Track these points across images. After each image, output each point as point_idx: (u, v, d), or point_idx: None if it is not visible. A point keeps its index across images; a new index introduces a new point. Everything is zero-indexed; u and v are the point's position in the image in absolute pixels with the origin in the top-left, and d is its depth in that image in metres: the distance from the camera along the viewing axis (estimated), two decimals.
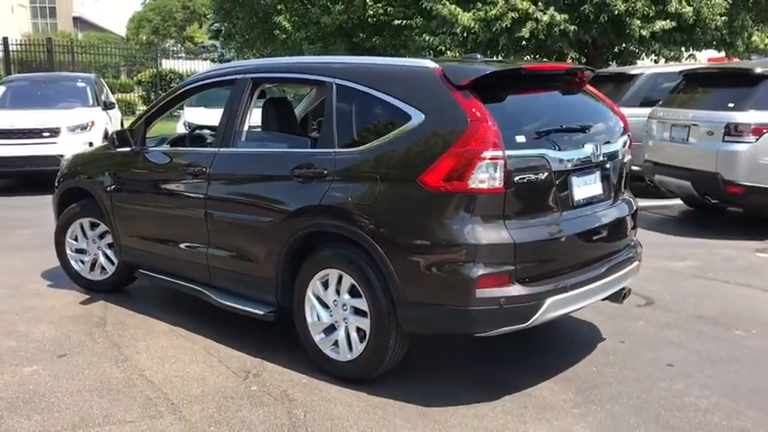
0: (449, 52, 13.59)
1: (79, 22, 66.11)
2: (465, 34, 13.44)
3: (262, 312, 4.44)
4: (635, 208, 4.59)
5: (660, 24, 12.65)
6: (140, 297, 5.79)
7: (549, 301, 3.73)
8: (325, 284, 4.12)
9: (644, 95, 10.31)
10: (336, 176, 4.03)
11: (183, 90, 5.27)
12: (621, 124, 4.51)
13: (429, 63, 3.97)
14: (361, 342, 4.00)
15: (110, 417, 3.76)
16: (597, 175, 4.19)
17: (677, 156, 8.30)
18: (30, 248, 7.30)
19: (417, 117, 3.81)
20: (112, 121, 12.91)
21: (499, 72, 3.88)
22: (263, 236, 4.38)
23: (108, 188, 5.42)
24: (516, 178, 3.66)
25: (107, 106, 12.87)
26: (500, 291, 3.62)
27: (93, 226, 5.81)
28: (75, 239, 5.88)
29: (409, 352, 4.09)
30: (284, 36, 15.06)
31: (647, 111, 9.11)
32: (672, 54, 13.54)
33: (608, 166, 4.28)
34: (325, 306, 4.15)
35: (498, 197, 3.63)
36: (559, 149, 3.87)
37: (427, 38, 13.79)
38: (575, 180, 4.00)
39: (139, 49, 34.29)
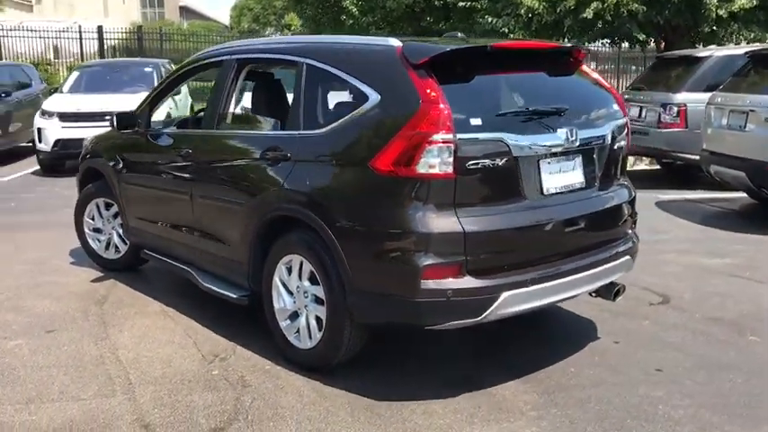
0: (512, 35, 13.16)
1: (185, 11, 68.52)
2: (530, 15, 12.96)
3: (235, 296, 4.41)
4: (629, 198, 4.25)
5: (740, 3, 11.74)
6: (150, 277, 5.90)
7: (504, 295, 3.50)
8: (290, 270, 4.04)
9: (711, 80, 9.59)
10: (298, 159, 3.93)
11: (180, 72, 5.29)
12: (616, 108, 4.18)
13: (393, 41, 3.79)
14: (319, 331, 3.89)
15: (65, 393, 3.82)
16: (577, 161, 3.90)
17: (734, 144, 7.70)
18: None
19: (373, 98, 3.65)
20: (179, 106, 13.13)
21: (460, 50, 3.66)
22: (236, 219, 4.35)
23: (116, 169, 5.53)
24: (469, 164, 3.44)
25: (174, 92, 13.14)
26: (448, 282, 3.43)
27: (108, 206, 5.95)
28: (92, 219, 6.05)
29: (380, 342, 3.95)
30: (351, 21, 15.00)
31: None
32: (753, 35, 12.55)
33: (592, 152, 3.97)
34: (289, 292, 4.07)
35: (449, 183, 3.42)
36: (523, 134, 3.61)
37: (491, 20, 13.40)
38: (545, 167, 3.73)
39: (230, 37, 34.93)
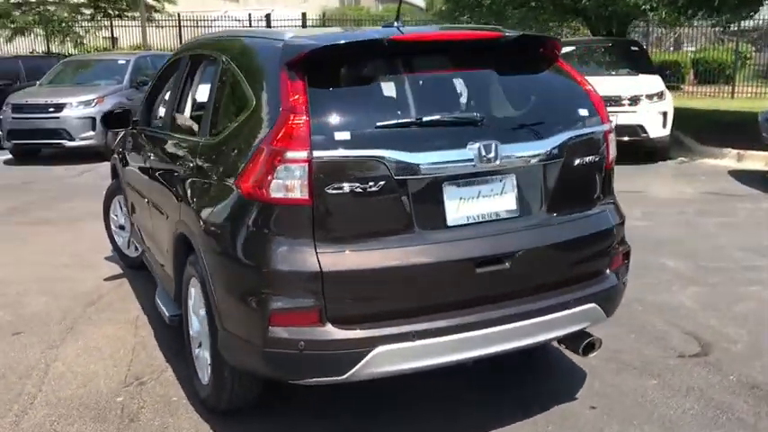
0: (651, 14, 11.58)
1: None
2: None
3: (168, 315, 4.07)
4: (604, 228, 3.33)
5: None
6: None
7: (377, 351, 2.82)
8: (192, 294, 3.61)
9: None
10: (196, 170, 3.49)
11: (163, 69, 5.01)
12: (585, 113, 3.27)
13: (288, 34, 3.21)
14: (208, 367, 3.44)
15: None
16: (507, 183, 3.07)
17: None
18: None
19: (251, 103, 3.11)
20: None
21: (344, 45, 2.98)
22: (164, 231, 4.00)
23: (120, 167, 5.45)
24: (330, 188, 2.78)
25: None
26: (301, 331, 2.81)
27: None
28: (116, 215, 6.02)
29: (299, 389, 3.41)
30: (489, 1, 14.10)
31: None
32: None
33: (535, 171, 3.12)
34: (197, 317, 3.65)
35: (304, 211, 2.79)
36: (414, 150, 2.87)
37: None
38: (452, 191, 2.96)
39: (417, 21, 33.93)
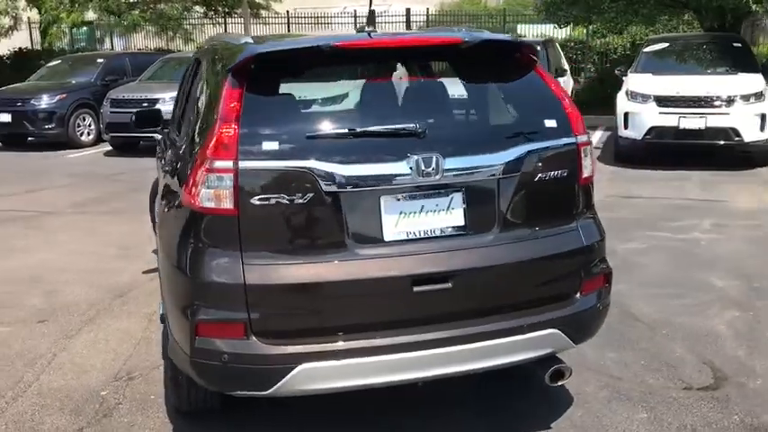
0: (755, 6, 10.62)
1: None
2: None
3: (160, 313, 4.15)
4: (572, 248, 3.08)
5: None
6: None
7: (301, 368, 2.75)
8: None
9: None
10: (169, 175, 3.53)
11: (186, 68, 5.09)
12: (553, 125, 3.03)
13: (242, 39, 3.18)
14: None
15: None
16: (455, 199, 2.90)
17: None
18: None
19: (204, 110, 3.13)
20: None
21: (280, 52, 2.91)
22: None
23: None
24: (257, 199, 2.73)
25: (558, 73, 12.01)
26: (225, 344, 2.78)
27: None
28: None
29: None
30: None
31: None
32: None
33: (487, 186, 2.93)
34: None
35: (231, 222, 2.76)
36: (347, 162, 2.76)
37: None
38: (390, 205, 2.83)
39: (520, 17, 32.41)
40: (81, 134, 13.62)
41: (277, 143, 2.74)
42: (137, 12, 19.21)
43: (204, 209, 2.78)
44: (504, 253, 2.94)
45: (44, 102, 13.26)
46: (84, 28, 22.13)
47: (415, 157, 2.79)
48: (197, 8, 21.12)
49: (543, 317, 3.00)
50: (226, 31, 21.86)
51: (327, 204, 2.76)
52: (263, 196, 2.73)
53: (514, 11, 25.09)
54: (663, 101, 9.90)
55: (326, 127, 2.85)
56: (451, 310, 2.90)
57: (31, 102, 13.24)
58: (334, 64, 2.96)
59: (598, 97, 14.64)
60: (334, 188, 2.75)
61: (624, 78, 11.02)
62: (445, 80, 3.09)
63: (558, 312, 3.04)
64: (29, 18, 20.30)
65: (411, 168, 2.79)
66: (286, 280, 2.76)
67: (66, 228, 7.60)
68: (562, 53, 13.58)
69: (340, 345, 2.78)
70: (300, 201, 2.73)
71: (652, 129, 9.96)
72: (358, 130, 2.82)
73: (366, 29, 3.28)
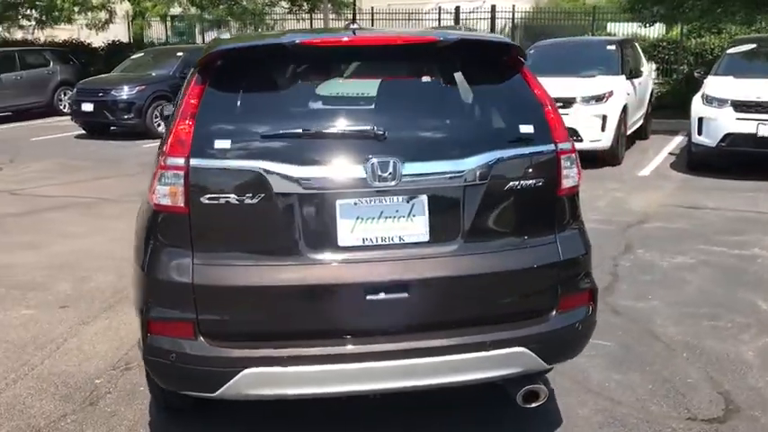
0: None
1: None
2: None
3: None
4: (546, 263, 2.88)
5: None
6: None
7: (246, 373, 2.69)
8: None
9: None
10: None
11: None
12: (529, 131, 2.85)
13: (223, 35, 3.13)
14: None
15: None
16: (417, 205, 2.76)
17: None
18: None
19: (178, 106, 3.08)
20: (637, 92, 11.31)
21: (242, 49, 2.85)
22: None
23: None
24: (206, 198, 2.69)
25: (632, 75, 11.13)
26: (174, 343, 2.75)
27: None
28: None
29: None
30: None
31: None
32: None
33: (453, 194, 2.77)
34: None
35: (182, 220, 2.73)
36: (301, 164, 2.67)
37: None
38: (347, 210, 2.72)
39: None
40: (158, 125, 14.09)
41: (230, 142, 2.69)
42: (223, 6, 19.70)
43: (159, 206, 2.77)
44: (468, 265, 2.78)
45: (124, 93, 13.80)
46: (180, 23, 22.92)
47: (372, 160, 2.67)
48: (283, 3, 21.44)
49: (510, 334, 2.82)
50: (311, 26, 22.20)
51: (279, 207, 2.69)
52: (213, 195, 2.68)
53: (608, 9, 24.15)
54: (740, 106, 9.28)
55: (282, 127, 2.76)
56: (408, 322, 2.78)
57: (112, 92, 13.81)
58: (300, 62, 2.87)
59: (682, 101, 13.92)
60: (286, 190, 2.67)
61: (704, 81, 10.42)
62: (418, 81, 2.94)
63: (528, 330, 2.85)
64: (127, 12, 21.17)
65: (367, 172, 2.67)
66: (234, 282, 2.71)
67: (120, 216, 7.79)
68: (642, 54, 12.97)
69: (287, 351, 2.69)
70: (251, 202, 2.67)
71: (728, 135, 9.35)
72: (313, 131, 2.73)
73: (351, 26, 3.17)
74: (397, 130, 2.76)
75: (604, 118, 9.95)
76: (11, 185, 9.54)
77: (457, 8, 23.77)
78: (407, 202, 2.75)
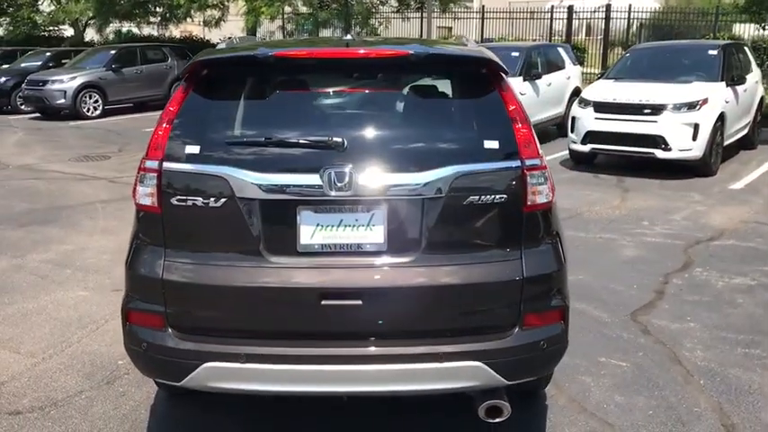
0: None
1: None
2: None
3: None
4: (509, 278, 2.84)
5: None
6: None
7: (205, 366, 2.85)
8: None
9: None
10: None
11: None
12: (494, 146, 2.83)
13: (222, 46, 3.32)
14: None
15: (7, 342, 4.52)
16: (377, 215, 2.81)
17: None
18: None
19: None
20: (740, 99, 10.71)
21: (219, 60, 3.00)
22: None
23: None
24: (175, 200, 2.87)
25: (734, 81, 10.47)
26: (146, 333, 2.96)
27: None
28: None
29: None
30: None
31: None
32: None
33: (412, 206, 2.80)
34: None
35: (156, 219, 2.93)
36: (263, 171, 2.79)
37: None
38: (307, 217, 2.82)
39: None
40: None
41: (199, 147, 2.85)
42: (335, 6, 20.21)
43: (140, 206, 2.98)
44: (424, 276, 2.81)
45: None
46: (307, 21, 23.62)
47: (329, 170, 2.75)
48: (392, 2, 21.70)
49: (465, 347, 2.82)
50: (421, 26, 22.34)
51: (242, 211, 2.82)
52: (181, 198, 2.86)
53: (729, 10, 22.80)
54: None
55: (247, 135, 2.91)
56: (362, 329, 2.84)
57: None
58: (274, 73, 2.99)
59: None
60: (248, 195, 2.80)
61: None
62: (387, 94, 2.99)
63: (486, 345, 2.84)
64: (239, 9, 22.16)
65: (323, 181, 2.76)
66: (198, 280, 2.87)
67: None
68: (753, 59, 12.18)
69: (244, 349, 2.83)
70: (215, 205, 2.83)
71: None
72: (275, 139, 2.84)
73: (345, 37, 3.26)
74: (359, 141, 2.83)
75: (696, 126, 9.47)
76: (111, 173, 10.25)
77: (570, 7, 23.17)
78: (367, 211, 2.81)
